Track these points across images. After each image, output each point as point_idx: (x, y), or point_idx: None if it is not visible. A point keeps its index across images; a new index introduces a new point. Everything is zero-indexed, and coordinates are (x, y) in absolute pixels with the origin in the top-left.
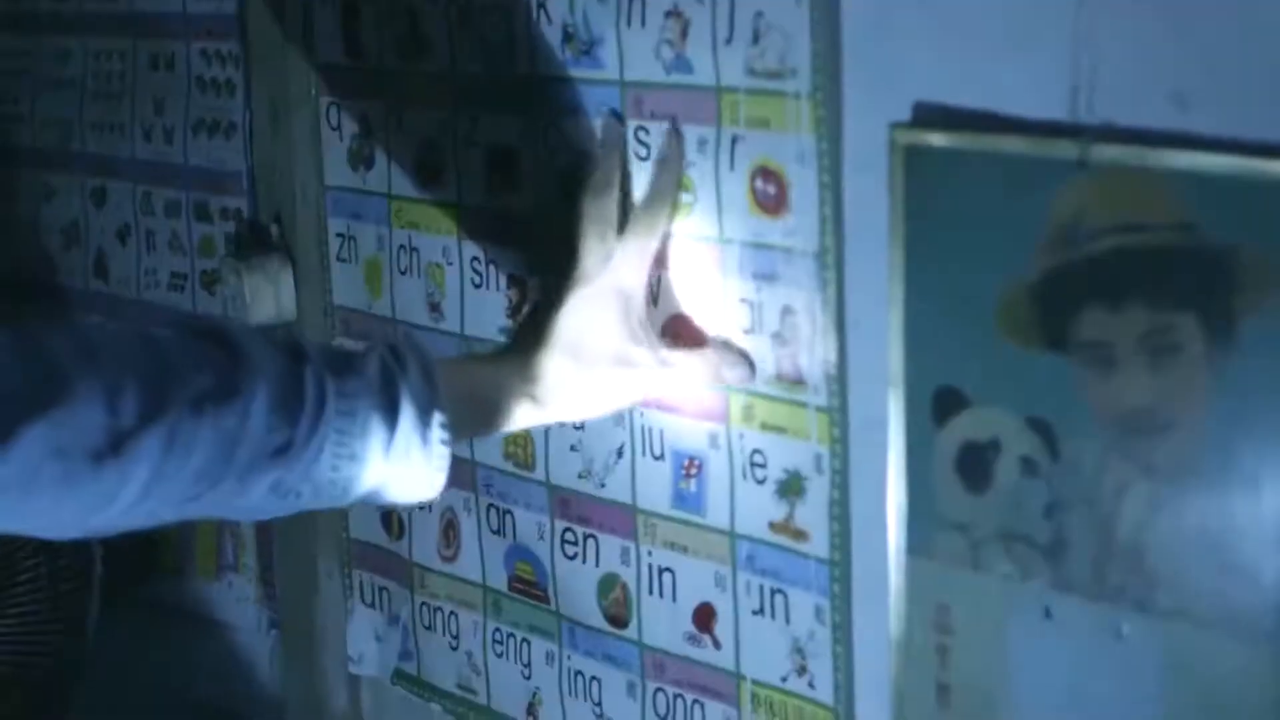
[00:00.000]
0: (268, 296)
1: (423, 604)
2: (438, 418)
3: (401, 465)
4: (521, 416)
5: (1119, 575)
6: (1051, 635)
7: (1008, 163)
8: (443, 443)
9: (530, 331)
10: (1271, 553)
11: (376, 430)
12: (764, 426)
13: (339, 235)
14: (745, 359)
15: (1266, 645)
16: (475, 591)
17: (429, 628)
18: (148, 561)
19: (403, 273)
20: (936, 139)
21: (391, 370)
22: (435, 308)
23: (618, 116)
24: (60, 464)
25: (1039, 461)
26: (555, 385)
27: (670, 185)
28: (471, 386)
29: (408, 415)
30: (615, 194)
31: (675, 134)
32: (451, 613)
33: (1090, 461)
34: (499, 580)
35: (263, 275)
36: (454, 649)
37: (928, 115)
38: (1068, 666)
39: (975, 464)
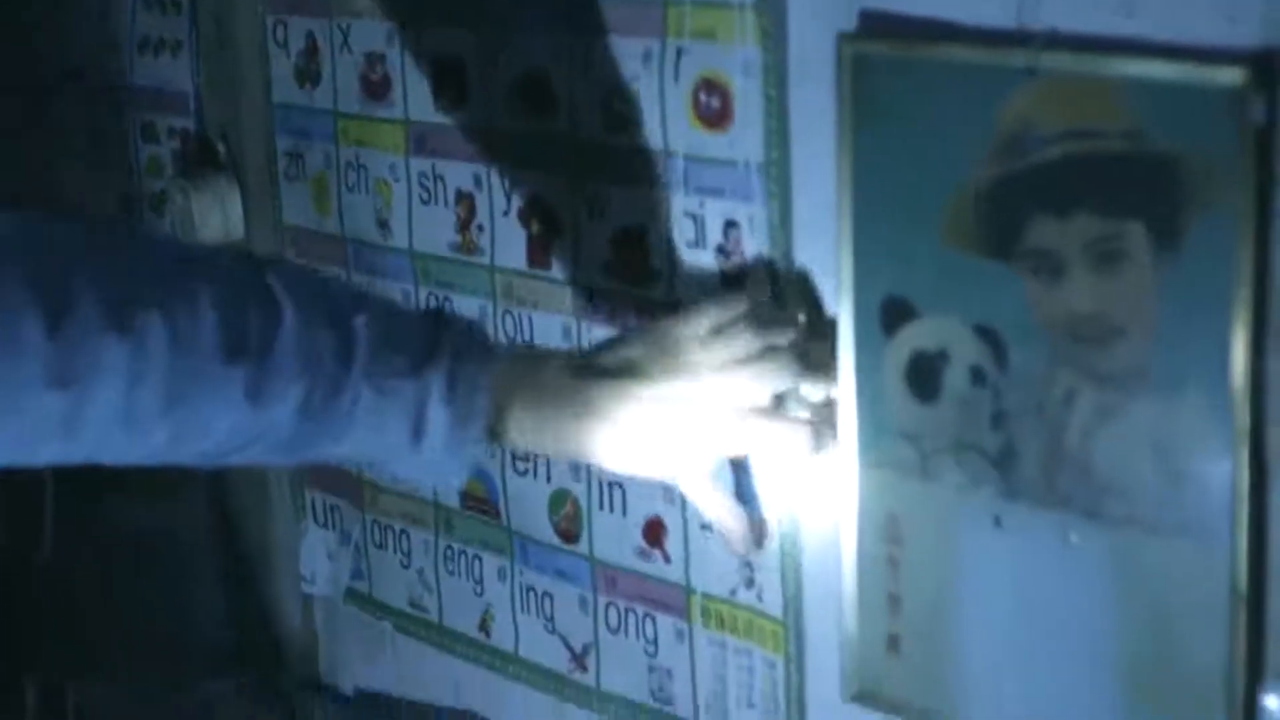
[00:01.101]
0: (215, 216)
1: (374, 522)
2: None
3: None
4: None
5: (1068, 483)
6: (1001, 544)
7: (956, 71)
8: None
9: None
10: (1218, 457)
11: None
12: None
13: (286, 153)
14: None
15: (1214, 550)
16: (427, 509)
17: (380, 546)
18: (100, 482)
19: (350, 190)
20: (884, 48)
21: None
22: (384, 225)
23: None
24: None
25: (988, 370)
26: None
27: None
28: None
29: (439, 429)
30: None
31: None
32: (403, 531)
33: (1038, 370)
34: (451, 497)
35: (210, 194)
36: (406, 567)
37: (875, 24)
38: (1017, 574)
39: (924, 374)
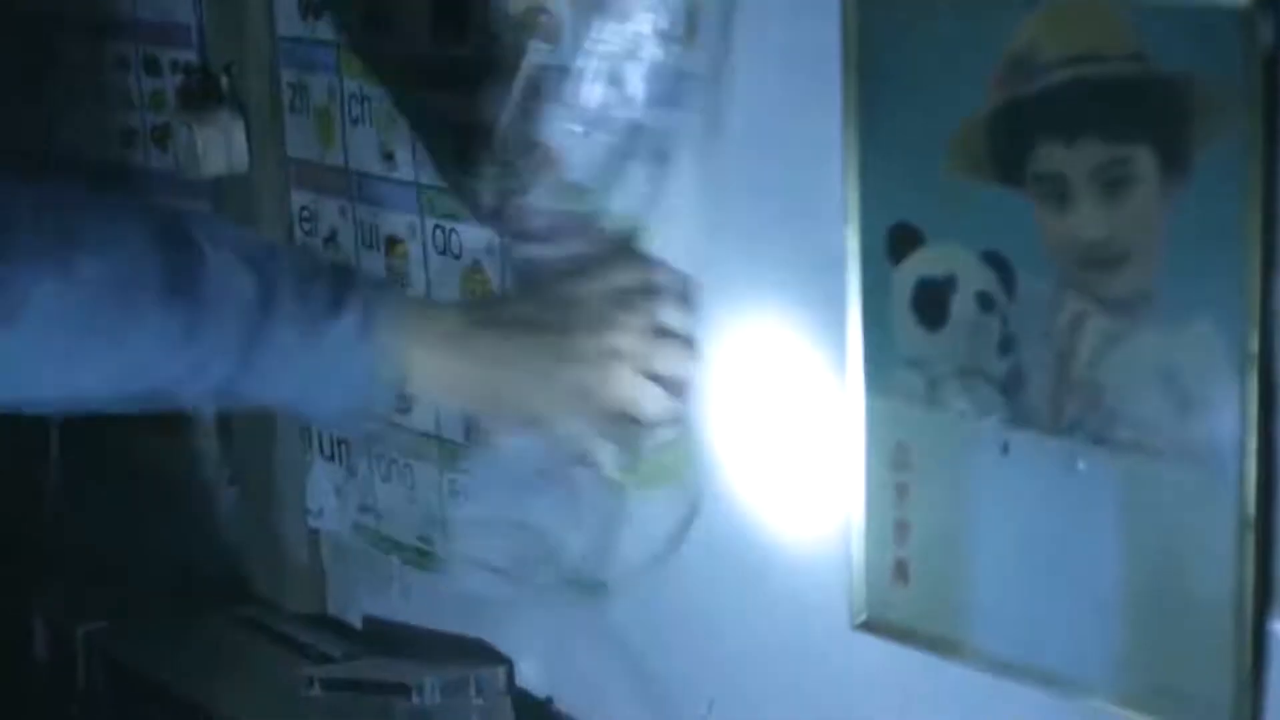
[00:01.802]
0: (219, 149)
1: (380, 456)
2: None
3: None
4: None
5: (1075, 409)
6: (1009, 470)
7: None
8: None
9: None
10: (1227, 383)
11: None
12: None
13: (290, 85)
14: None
15: (1223, 477)
16: (431, 444)
17: (387, 480)
18: (105, 417)
19: (354, 122)
20: None
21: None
22: (388, 156)
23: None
24: None
25: (995, 297)
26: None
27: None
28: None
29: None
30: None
31: None
32: (408, 465)
33: (1046, 296)
34: (454, 431)
35: (214, 128)
36: (412, 501)
37: None
38: (1025, 502)
39: (932, 301)
